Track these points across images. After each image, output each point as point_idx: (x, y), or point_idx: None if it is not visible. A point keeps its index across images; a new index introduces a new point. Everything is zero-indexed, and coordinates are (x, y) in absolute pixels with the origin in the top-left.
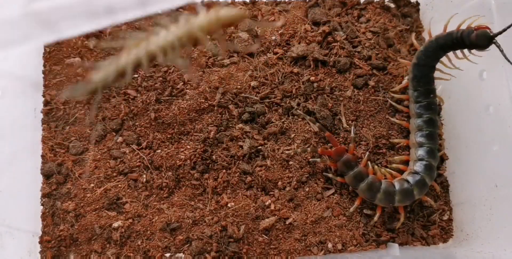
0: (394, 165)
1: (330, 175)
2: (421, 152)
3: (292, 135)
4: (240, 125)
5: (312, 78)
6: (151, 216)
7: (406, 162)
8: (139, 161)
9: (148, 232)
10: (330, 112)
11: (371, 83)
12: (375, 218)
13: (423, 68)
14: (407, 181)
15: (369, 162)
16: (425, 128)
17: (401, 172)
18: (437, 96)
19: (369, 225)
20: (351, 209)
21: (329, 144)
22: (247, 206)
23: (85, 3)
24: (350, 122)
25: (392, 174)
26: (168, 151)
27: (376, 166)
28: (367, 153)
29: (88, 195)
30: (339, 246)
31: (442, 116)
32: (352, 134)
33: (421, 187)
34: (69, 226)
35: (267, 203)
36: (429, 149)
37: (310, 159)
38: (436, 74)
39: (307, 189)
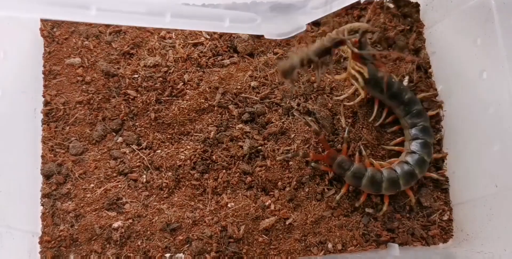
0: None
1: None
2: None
3: (292, 135)
4: (240, 125)
5: (312, 78)
6: (151, 216)
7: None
8: (139, 161)
9: (148, 232)
10: (330, 112)
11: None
12: (384, 208)
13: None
14: (407, 163)
15: (364, 155)
16: (420, 136)
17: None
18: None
19: (378, 215)
20: (357, 204)
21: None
22: (247, 206)
23: None
24: (347, 122)
25: (391, 162)
26: (168, 151)
27: (371, 159)
28: (360, 146)
29: (88, 195)
30: (339, 246)
31: (442, 115)
32: (346, 134)
33: (421, 165)
34: (69, 226)
35: (267, 203)
36: (423, 142)
37: (312, 164)
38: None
39: (307, 190)
